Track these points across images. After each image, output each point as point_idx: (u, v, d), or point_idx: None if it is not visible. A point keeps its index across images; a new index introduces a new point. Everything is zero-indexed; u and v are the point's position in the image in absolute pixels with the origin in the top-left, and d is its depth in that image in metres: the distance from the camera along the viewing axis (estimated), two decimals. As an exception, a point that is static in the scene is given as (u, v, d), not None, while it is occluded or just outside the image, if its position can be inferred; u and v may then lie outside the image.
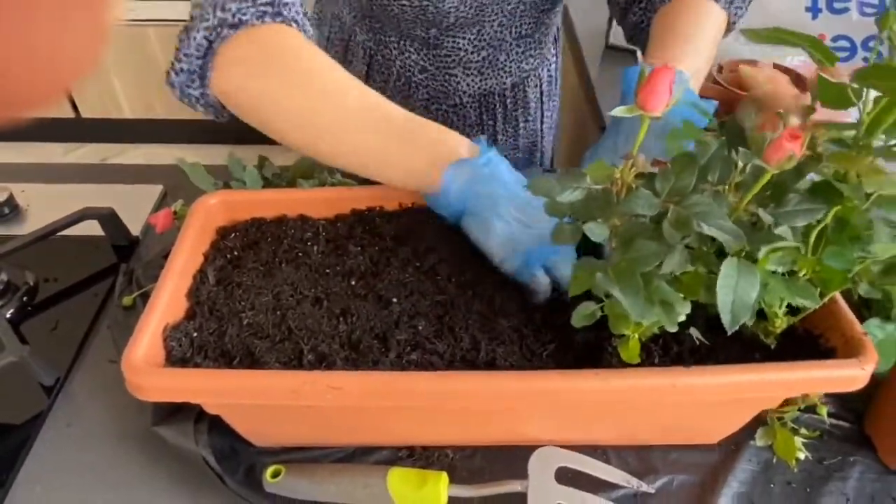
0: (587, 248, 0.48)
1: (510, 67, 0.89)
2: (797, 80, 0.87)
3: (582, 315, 0.42)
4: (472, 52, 0.86)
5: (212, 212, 0.59)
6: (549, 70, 0.96)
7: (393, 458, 0.57)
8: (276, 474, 0.53)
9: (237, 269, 0.56)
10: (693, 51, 0.67)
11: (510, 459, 0.56)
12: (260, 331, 0.51)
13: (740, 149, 0.36)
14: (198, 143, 2.38)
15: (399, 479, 0.52)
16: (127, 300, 0.71)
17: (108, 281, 0.77)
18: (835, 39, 1.07)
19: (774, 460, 0.57)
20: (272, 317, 0.52)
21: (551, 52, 0.96)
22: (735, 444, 0.58)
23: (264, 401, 0.45)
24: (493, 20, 0.83)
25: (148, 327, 0.48)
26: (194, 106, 0.63)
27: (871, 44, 1.05)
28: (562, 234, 0.40)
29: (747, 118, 0.45)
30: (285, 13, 0.59)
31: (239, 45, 0.57)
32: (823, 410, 0.58)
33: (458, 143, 0.58)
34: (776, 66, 0.96)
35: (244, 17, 0.57)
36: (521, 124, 0.96)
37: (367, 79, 0.91)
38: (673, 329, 0.41)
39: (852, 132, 0.37)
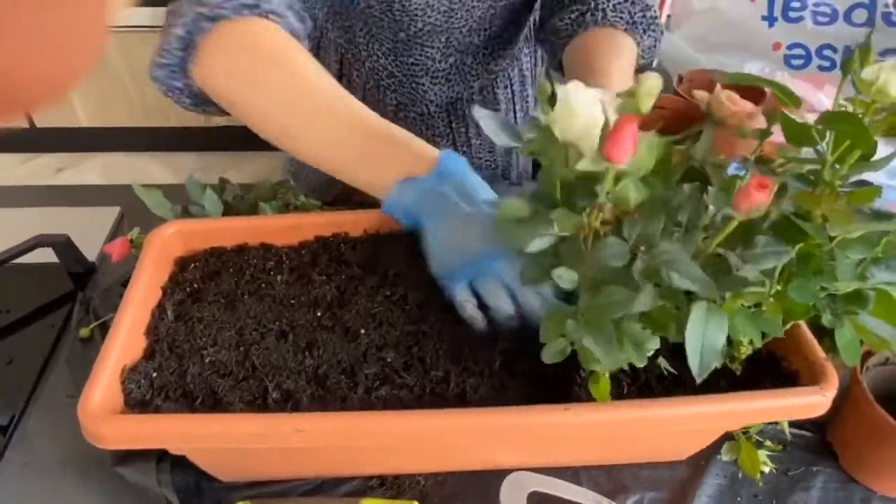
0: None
1: (477, 70, 0.88)
2: (759, 97, 0.88)
3: (552, 353, 0.42)
4: (439, 61, 0.85)
5: (168, 243, 0.57)
6: (520, 69, 0.94)
7: (363, 487, 0.56)
8: (243, 511, 0.52)
9: (197, 302, 0.54)
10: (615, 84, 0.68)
11: (482, 485, 0.56)
12: (223, 368, 0.49)
13: (710, 190, 0.36)
14: (159, 150, 2.32)
15: (371, 510, 0.51)
16: (84, 332, 0.69)
17: (64, 309, 0.74)
18: (790, 47, 1.10)
19: (740, 474, 0.58)
20: (235, 353, 0.50)
21: (524, 51, 0.93)
22: (703, 459, 0.58)
23: (228, 445, 0.44)
24: (463, 26, 0.82)
25: (104, 370, 0.46)
26: (180, 99, 0.65)
27: (825, 52, 1.08)
28: (529, 275, 0.40)
29: (701, 147, 0.45)
30: (264, 5, 0.60)
31: (218, 38, 0.59)
32: (785, 423, 0.59)
33: (420, 157, 0.57)
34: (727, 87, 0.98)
35: (222, 12, 0.59)
36: None
37: (340, 78, 0.90)
38: (642, 364, 0.41)
39: (815, 166, 0.38)
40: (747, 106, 0.73)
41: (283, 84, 0.59)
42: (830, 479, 0.58)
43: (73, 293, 0.76)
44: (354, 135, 0.58)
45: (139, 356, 0.50)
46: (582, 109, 0.36)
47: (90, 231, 0.83)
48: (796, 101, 0.36)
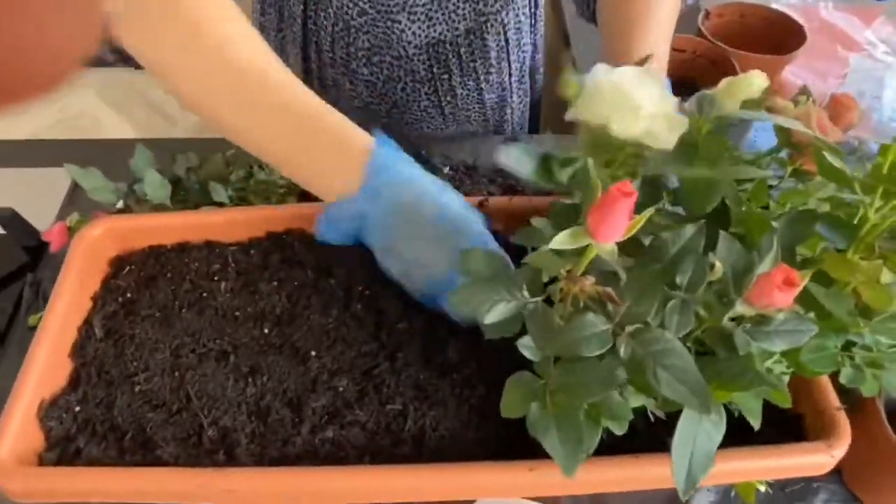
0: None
1: (463, 10, 0.76)
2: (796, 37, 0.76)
3: (512, 408, 0.36)
4: None
5: (98, 244, 0.50)
6: (516, 14, 0.81)
7: None
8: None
9: (130, 315, 0.48)
10: (653, 37, 0.61)
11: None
12: (154, 398, 0.44)
13: (721, 239, 0.28)
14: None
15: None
16: (33, 319, 0.64)
17: (18, 285, 0.69)
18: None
19: (733, 492, 0.54)
20: (169, 380, 0.45)
21: None
22: (693, 473, 0.54)
23: (159, 500, 0.40)
24: None
25: (17, 409, 0.41)
26: (104, 55, 0.58)
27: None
28: (492, 334, 0.33)
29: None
30: None
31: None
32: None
33: (349, 150, 0.49)
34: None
35: None
36: (483, 77, 0.83)
37: (305, 21, 0.79)
38: (622, 433, 0.35)
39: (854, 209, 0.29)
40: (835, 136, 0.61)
41: (203, 60, 0.49)
42: (832, 497, 0.54)
43: (27, 267, 0.71)
44: (285, 124, 0.49)
45: (62, 384, 0.45)
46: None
47: (44, 195, 0.77)
48: (842, 178, 0.27)
